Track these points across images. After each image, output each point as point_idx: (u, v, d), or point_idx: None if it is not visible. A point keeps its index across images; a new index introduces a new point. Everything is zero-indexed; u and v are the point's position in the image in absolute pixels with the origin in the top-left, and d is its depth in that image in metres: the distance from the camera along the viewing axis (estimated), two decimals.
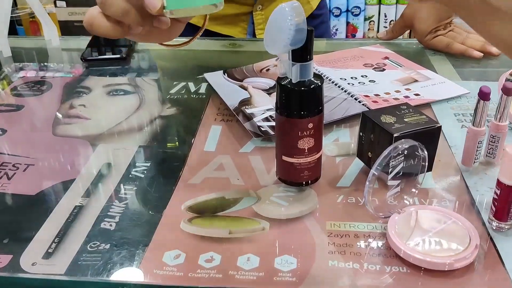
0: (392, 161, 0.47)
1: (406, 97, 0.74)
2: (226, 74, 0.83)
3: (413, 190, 0.51)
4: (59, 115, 0.74)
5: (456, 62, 0.88)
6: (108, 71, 0.89)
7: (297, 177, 0.55)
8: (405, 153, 0.48)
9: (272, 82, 0.79)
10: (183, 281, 0.44)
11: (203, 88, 0.81)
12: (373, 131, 0.55)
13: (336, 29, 2.07)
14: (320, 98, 0.51)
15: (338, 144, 0.65)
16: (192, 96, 0.79)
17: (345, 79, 0.80)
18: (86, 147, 0.66)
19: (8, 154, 0.65)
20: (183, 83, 0.83)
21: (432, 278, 0.44)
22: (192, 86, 0.82)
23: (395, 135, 0.52)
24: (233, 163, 0.62)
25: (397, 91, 0.76)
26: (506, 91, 0.54)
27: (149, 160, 0.63)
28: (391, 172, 0.48)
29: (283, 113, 0.52)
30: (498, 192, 0.47)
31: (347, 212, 0.53)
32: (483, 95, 0.54)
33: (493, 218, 0.48)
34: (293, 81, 0.50)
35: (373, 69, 0.84)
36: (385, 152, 0.46)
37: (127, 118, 0.73)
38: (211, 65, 0.89)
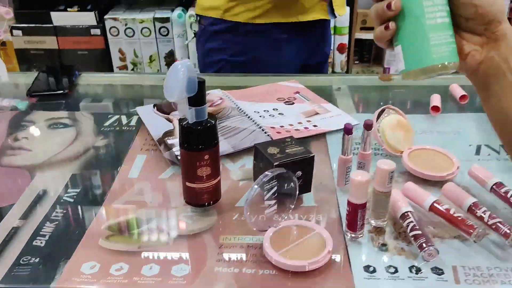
0: (266, 185, 0.60)
1: (306, 128, 0.87)
2: (155, 107, 0.95)
3: (288, 208, 0.64)
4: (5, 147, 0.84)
5: (355, 96, 1.03)
6: (51, 106, 0.99)
7: (199, 200, 0.67)
8: (275, 178, 0.60)
9: None
10: (95, 286, 0.55)
11: (134, 121, 0.92)
12: (262, 160, 0.68)
13: None
14: (214, 134, 0.64)
15: (243, 169, 0.78)
16: (123, 128, 0.90)
17: (258, 112, 0.93)
18: (26, 176, 0.77)
19: None
20: (116, 116, 0.94)
21: (295, 279, 0.56)
22: (124, 119, 0.93)
23: (275, 163, 0.64)
24: (151, 188, 0.73)
25: (299, 123, 0.89)
26: (366, 126, 0.68)
27: (79, 186, 0.74)
28: (266, 194, 0.61)
29: (184, 147, 0.64)
30: (349, 208, 0.60)
31: (239, 227, 0.65)
32: (347, 131, 0.67)
33: (347, 229, 0.61)
34: (190, 122, 0.62)
35: (284, 102, 0.97)
36: (259, 178, 0.59)
37: (63, 149, 0.84)
38: (147, 98, 1.01)
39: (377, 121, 0.78)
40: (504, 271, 0.57)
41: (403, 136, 0.78)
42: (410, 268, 0.57)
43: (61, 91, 1.02)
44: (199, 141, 0.63)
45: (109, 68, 2.30)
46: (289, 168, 0.63)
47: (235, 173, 0.77)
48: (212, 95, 1.00)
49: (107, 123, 0.92)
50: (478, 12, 0.49)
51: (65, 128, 0.91)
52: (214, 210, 0.68)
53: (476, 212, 0.62)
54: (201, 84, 0.60)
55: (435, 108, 0.92)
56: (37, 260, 0.59)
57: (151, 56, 2.28)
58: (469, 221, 0.60)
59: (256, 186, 0.59)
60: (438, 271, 0.57)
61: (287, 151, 0.67)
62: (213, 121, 0.63)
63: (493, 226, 0.60)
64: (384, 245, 0.61)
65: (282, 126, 0.88)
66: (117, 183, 0.74)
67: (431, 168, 0.73)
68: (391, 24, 0.49)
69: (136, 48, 2.25)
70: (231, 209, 0.69)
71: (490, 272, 0.57)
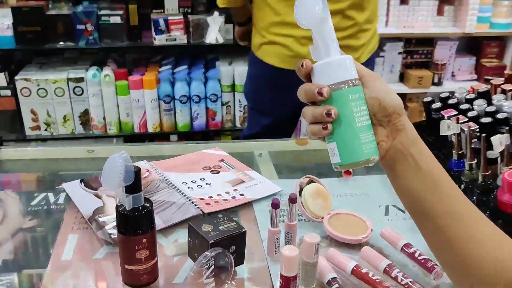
0: (204, 265, 0.64)
1: (234, 197, 0.93)
2: (83, 183, 0.96)
3: (224, 282, 0.68)
4: None
5: (276, 161, 1.11)
6: None
7: (138, 281, 0.69)
8: (214, 257, 0.65)
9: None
10: None
11: (62, 198, 0.92)
12: (197, 238, 0.72)
13: (197, 114, 2.29)
14: (151, 218, 0.67)
15: (177, 244, 0.81)
16: (51, 206, 0.90)
17: (186, 183, 0.97)
18: None
19: None
20: (43, 194, 0.93)
21: None
22: (51, 197, 0.93)
23: (210, 242, 0.69)
24: (87, 270, 0.74)
25: (227, 192, 0.94)
26: (291, 200, 0.75)
27: (12, 272, 0.73)
28: (205, 272, 0.65)
29: (122, 233, 0.66)
30: (281, 281, 0.66)
31: None
32: (275, 206, 0.74)
33: None
34: (128, 208, 0.65)
35: (210, 171, 1.03)
36: (198, 260, 0.63)
37: None
38: (72, 173, 1.01)
39: (299, 191, 0.86)
40: None
41: (322, 203, 0.86)
42: None
43: None
44: (137, 226, 0.66)
45: (20, 129, 2.22)
46: (223, 244, 0.68)
47: (169, 249, 0.80)
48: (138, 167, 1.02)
49: (34, 202, 0.91)
50: (381, 105, 0.59)
51: None
52: None
53: (391, 273, 0.70)
54: (137, 173, 0.64)
55: (348, 172, 1.02)
56: None
57: (65, 116, 2.24)
58: (386, 282, 0.68)
59: (194, 267, 0.63)
60: None
61: (220, 227, 0.72)
62: (149, 206, 0.67)
63: (406, 286, 0.69)
64: None
65: (210, 197, 0.92)
66: (51, 267, 0.74)
67: (348, 232, 0.81)
68: (329, 126, 0.57)
69: (49, 109, 2.21)
70: (169, 286, 0.71)
71: None
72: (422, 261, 0.73)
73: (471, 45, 3.14)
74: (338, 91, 0.55)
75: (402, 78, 3.04)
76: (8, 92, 2.13)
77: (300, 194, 0.86)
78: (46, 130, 2.24)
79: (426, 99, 1.06)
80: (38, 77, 2.15)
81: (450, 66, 3.06)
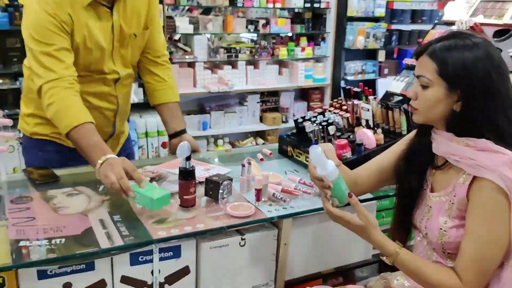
0: (221, 194, 1.46)
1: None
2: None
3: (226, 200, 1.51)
4: None
5: (223, 161, 1.95)
6: None
7: (191, 203, 1.47)
8: (223, 188, 1.47)
9: (148, 178, 1.68)
10: None
11: None
12: (211, 183, 1.53)
13: None
14: (194, 173, 1.47)
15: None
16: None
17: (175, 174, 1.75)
18: None
19: None
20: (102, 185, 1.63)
21: None
22: None
23: (220, 182, 1.51)
24: None
25: (205, 173, 1.76)
26: (248, 163, 1.61)
27: None
28: (221, 198, 1.46)
29: (182, 179, 1.45)
30: (255, 192, 1.50)
31: None
32: (244, 165, 1.58)
33: None
34: (187, 168, 1.45)
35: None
36: (219, 192, 1.45)
37: None
38: None
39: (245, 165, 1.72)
40: None
41: (257, 170, 1.73)
42: None
43: None
44: (192, 175, 1.45)
45: None
46: (224, 184, 1.50)
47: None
48: (148, 168, 1.77)
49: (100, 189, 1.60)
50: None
51: None
52: None
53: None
54: (191, 150, 1.45)
55: (262, 159, 1.91)
56: None
57: None
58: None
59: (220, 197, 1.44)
60: None
61: (221, 177, 1.54)
62: (194, 167, 1.47)
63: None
64: None
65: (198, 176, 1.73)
66: None
67: (271, 179, 1.69)
68: (328, 193, 1.30)
69: None
70: (201, 208, 1.50)
71: None
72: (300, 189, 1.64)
73: (303, 94, 4.40)
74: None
75: (261, 119, 4.12)
76: None
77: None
78: None
79: (294, 118, 2.01)
80: None
81: (291, 109, 4.26)
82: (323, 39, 4.25)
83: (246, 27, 3.97)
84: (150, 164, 1.80)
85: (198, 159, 1.85)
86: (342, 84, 4.18)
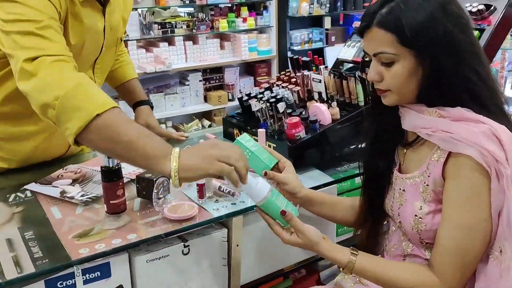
0: (157, 195, 1.22)
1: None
2: (37, 183, 1.40)
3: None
4: None
5: None
6: None
7: (119, 209, 1.22)
8: (158, 189, 1.23)
9: (69, 180, 1.41)
10: None
11: (28, 193, 1.35)
12: (144, 182, 1.28)
13: None
14: (120, 171, 1.22)
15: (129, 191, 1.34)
16: (26, 199, 1.32)
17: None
18: None
19: None
20: (13, 194, 1.35)
21: None
22: (21, 194, 1.35)
23: (155, 179, 1.26)
24: (78, 219, 1.23)
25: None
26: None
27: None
28: (156, 199, 1.22)
29: (106, 181, 1.19)
30: (198, 188, 1.27)
31: None
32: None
33: None
34: (110, 165, 1.19)
35: None
36: (153, 193, 1.21)
37: None
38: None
39: None
40: None
41: None
42: None
43: None
44: (117, 175, 1.20)
45: None
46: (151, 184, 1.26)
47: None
48: (71, 168, 1.50)
49: (10, 200, 1.32)
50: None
51: None
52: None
53: None
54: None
55: None
56: None
57: None
58: None
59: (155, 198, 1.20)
60: None
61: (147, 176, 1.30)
62: (120, 164, 1.21)
63: None
64: None
65: (129, 173, 1.47)
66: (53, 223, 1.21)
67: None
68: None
69: None
70: (133, 212, 1.25)
71: None
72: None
73: (248, 68, 4.15)
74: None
75: (206, 99, 3.85)
76: None
77: None
78: None
79: (238, 96, 1.78)
80: None
81: (237, 85, 4.00)
82: (265, 7, 4.00)
83: None
84: (73, 163, 1.53)
85: None
86: (289, 55, 3.97)
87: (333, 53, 4.09)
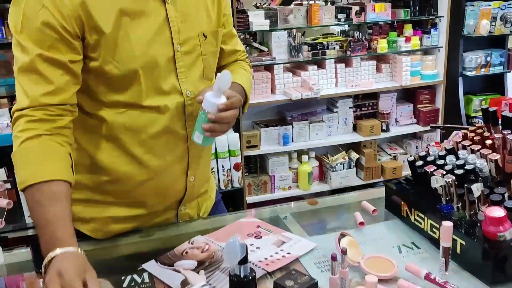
0: None
1: (283, 256, 1.17)
2: (158, 262, 1.16)
3: None
4: None
5: (302, 222, 1.37)
6: None
7: None
8: None
9: (194, 262, 1.15)
10: None
11: (146, 277, 1.12)
12: None
13: None
14: (255, 282, 0.90)
15: None
16: (141, 286, 1.09)
17: None
18: None
19: None
20: (129, 276, 1.12)
21: None
22: (137, 278, 1.12)
23: None
24: None
25: (276, 253, 1.18)
26: (343, 252, 1.01)
27: None
28: None
29: None
30: None
31: None
32: (333, 258, 0.99)
33: None
34: (241, 276, 0.88)
35: (254, 237, 1.26)
36: None
37: None
38: (144, 254, 1.21)
39: (339, 243, 1.12)
40: None
41: (355, 250, 1.13)
42: None
43: None
44: None
45: (20, 218, 2.33)
46: None
47: None
48: (198, 242, 1.24)
49: (125, 284, 1.10)
50: None
51: None
52: None
53: None
54: (246, 248, 0.88)
55: (362, 223, 1.30)
56: None
57: None
58: None
59: None
60: None
61: (298, 281, 0.96)
62: (254, 273, 0.90)
63: None
64: None
65: (266, 258, 1.16)
66: None
67: (381, 270, 1.08)
68: None
69: None
70: None
71: None
72: (442, 283, 1.01)
73: (408, 95, 3.62)
74: None
75: (355, 128, 3.43)
76: (8, 185, 2.25)
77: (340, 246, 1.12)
78: None
79: (409, 159, 1.36)
80: None
81: (393, 113, 3.51)
82: (434, 25, 3.45)
83: (336, 16, 3.31)
84: (199, 233, 1.27)
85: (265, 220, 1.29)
86: (460, 81, 3.36)
87: None
